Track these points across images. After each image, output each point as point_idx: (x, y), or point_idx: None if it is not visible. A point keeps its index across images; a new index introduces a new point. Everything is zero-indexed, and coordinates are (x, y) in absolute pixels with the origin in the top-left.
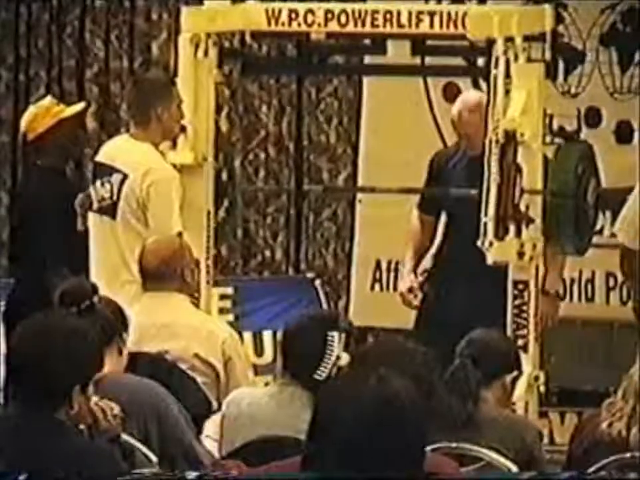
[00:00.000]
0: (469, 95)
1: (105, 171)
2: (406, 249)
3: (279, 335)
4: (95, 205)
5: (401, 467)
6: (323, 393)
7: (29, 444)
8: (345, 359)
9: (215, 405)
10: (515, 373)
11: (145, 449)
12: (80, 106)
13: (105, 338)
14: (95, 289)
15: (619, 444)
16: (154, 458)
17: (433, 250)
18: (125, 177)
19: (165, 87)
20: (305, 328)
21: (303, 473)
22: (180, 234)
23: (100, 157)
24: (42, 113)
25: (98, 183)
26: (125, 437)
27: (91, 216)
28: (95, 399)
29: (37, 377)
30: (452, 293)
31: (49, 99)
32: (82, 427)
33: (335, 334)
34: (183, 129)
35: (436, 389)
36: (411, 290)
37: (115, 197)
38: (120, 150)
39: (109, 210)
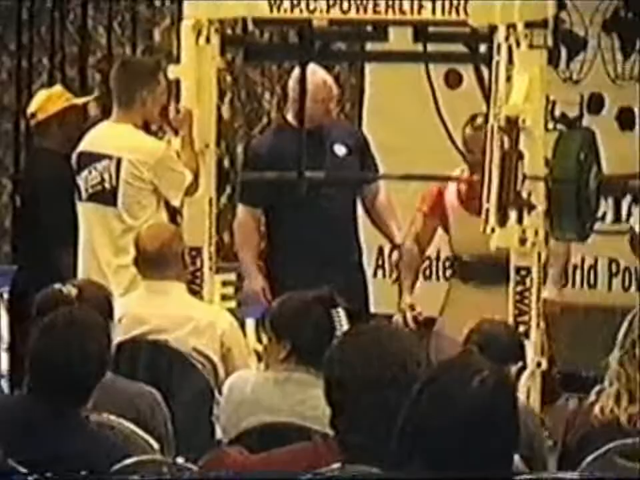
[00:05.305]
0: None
1: (91, 159)
2: (242, 251)
3: (268, 320)
4: (85, 195)
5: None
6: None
7: (54, 442)
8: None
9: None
10: (520, 364)
11: (146, 436)
12: (91, 97)
13: None
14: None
15: (613, 428)
16: (155, 444)
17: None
18: (119, 160)
19: (152, 72)
20: (307, 309)
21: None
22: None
23: (85, 147)
24: (57, 94)
25: (85, 172)
26: (126, 423)
27: (80, 206)
28: None
29: (63, 374)
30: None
31: (59, 87)
32: None
33: (340, 310)
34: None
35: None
36: (264, 291)
37: (111, 183)
38: (106, 136)
39: (102, 197)
